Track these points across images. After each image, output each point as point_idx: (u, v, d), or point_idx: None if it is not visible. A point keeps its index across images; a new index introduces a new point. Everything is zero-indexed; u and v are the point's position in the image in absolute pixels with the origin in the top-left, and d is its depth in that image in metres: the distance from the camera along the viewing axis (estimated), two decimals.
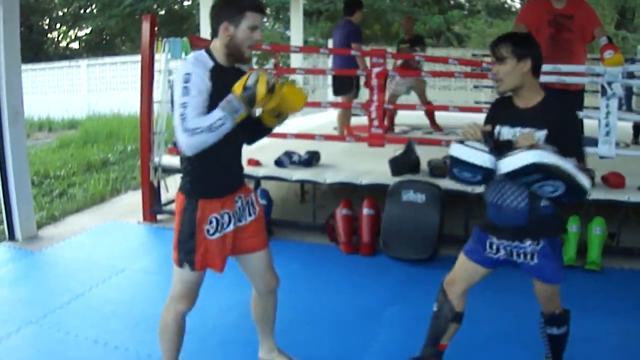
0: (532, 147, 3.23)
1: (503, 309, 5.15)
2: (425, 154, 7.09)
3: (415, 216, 6.22)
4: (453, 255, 6.35)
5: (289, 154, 7.25)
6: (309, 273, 5.98)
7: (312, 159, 7.32)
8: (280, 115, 3.55)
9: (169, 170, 7.72)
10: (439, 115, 10.51)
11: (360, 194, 7.09)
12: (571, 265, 6.03)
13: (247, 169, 6.83)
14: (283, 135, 7.48)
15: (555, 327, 3.90)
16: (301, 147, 7.66)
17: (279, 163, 7.18)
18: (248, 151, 7.55)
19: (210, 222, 3.48)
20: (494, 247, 3.73)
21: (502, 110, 3.70)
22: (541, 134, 3.47)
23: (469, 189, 6.33)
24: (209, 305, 5.09)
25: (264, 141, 7.77)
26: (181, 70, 3.24)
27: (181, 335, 3.78)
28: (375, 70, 7.19)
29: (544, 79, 6.10)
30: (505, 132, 3.59)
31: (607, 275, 6.06)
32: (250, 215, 3.71)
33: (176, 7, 32.21)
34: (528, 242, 3.60)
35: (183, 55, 7.68)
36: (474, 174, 3.46)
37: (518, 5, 28.65)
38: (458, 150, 3.44)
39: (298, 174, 7.00)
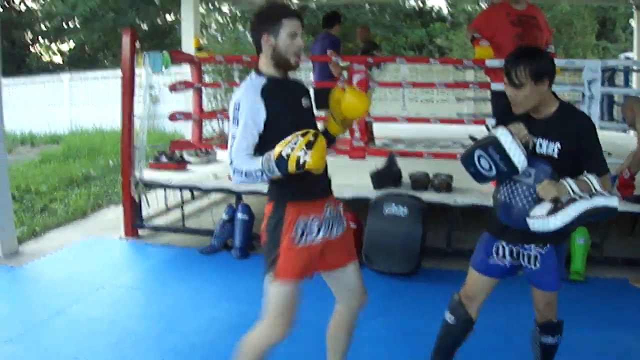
0: (554, 200, 3.29)
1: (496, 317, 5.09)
2: (407, 167, 7.08)
3: (397, 229, 6.18)
4: (436, 268, 6.46)
5: None
6: None
7: None
8: (344, 121, 3.55)
9: (150, 185, 7.68)
10: (423, 129, 10.50)
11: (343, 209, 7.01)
12: None
13: (228, 183, 6.86)
14: None
15: (551, 336, 3.88)
16: None
17: None
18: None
19: (296, 230, 3.36)
20: (501, 251, 3.74)
21: (517, 117, 3.61)
22: (555, 147, 3.46)
23: (451, 201, 6.34)
24: (190, 322, 5.08)
25: None
26: (234, 97, 3.29)
27: None
28: (356, 78, 7.16)
29: None
30: None
31: (591, 285, 6.10)
32: (340, 226, 3.60)
33: (159, 21, 32.15)
34: (533, 245, 3.59)
35: (163, 68, 7.64)
36: (496, 168, 3.46)
37: None
38: (505, 137, 3.40)
39: None
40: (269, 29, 3.31)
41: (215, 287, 5.94)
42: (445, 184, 6.68)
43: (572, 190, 3.31)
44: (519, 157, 3.38)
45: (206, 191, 7.62)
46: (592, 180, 3.35)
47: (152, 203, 8.01)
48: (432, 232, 6.52)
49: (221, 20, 31.86)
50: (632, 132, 8.18)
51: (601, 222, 6.37)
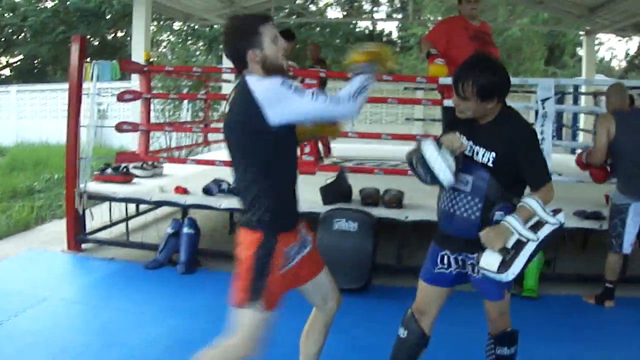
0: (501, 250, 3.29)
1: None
2: (357, 183, 7.02)
3: (347, 245, 6.11)
4: (387, 284, 6.39)
5: (217, 182, 7.08)
6: None
7: None
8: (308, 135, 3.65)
9: (94, 198, 7.51)
10: (372, 149, 10.46)
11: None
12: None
13: (174, 197, 6.73)
14: (212, 163, 7.33)
15: (506, 346, 3.78)
16: (230, 177, 7.42)
17: (207, 191, 6.99)
18: (177, 179, 7.44)
19: (283, 257, 3.30)
20: (446, 260, 3.70)
21: (463, 120, 3.60)
22: (490, 157, 3.42)
23: (402, 216, 6.29)
24: (133, 337, 4.95)
25: (193, 170, 7.61)
26: (271, 85, 3.11)
27: None
28: None
29: None
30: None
31: (544, 301, 6.14)
32: (308, 244, 3.55)
33: (109, 37, 31.93)
34: (476, 254, 3.48)
35: (112, 78, 7.52)
36: (426, 176, 3.44)
37: None
38: (429, 150, 3.39)
39: (226, 202, 6.82)
40: (251, 44, 3.20)
41: (159, 302, 5.79)
42: (396, 200, 6.62)
43: (516, 231, 3.29)
44: (443, 173, 3.36)
45: (152, 204, 7.43)
46: (533, 205, 3.33)
47: (97, 216, 7.82)
48: (383, 248, 6.49)
49: (172, 39, 31.72)
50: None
51: (553, 240, 6.37)
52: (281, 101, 3.06)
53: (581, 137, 14.52)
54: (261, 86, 3.10)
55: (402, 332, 3.90)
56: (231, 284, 3.36)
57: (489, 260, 3.32)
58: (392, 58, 3.40)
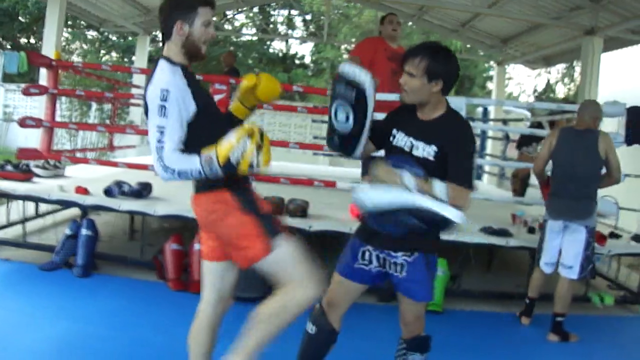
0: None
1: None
2: (262, 190, 6.79)
3: None
4: None
5: (119, 184, 6.88)
6: (135, 310, 5.68)
7: (143, 190, 6.95)
8: (253, 107, 3.60)
9: None
10: (277, 166, 10.40)
11: (192, 230, 6.77)
12: None
13: (74, 197, 6.54)
14: (114, 164, 7.16)
15: (419, 352, 3.77)
16: (134, 180, 7.27)
17: (108, 192, 6.77)
18: (78, 181, 7.25)
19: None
20: (367, 256, 3.71)
21: (404, 116, 3.65)
22: (431, 150, 3.43)
23: (306, 226, 6.29)
24: (24, 338, 4.80)
25: (96, 173, 7.42)
26: (157, 84, 3.11)
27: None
28: (217, 97, 7.00)
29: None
30: (400, 138, 3.59)
31: (449, 316, 6.25)
32: None
33: (22, 42, 31.17)
34: (400, 253, 3.52)
35: (18, 69, 7.31)
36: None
37: None
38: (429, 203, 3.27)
39: (127, 204, 6.62)
40: (183, 17, 3.24)
41: (53, 304, 5.59)
42: (301, 209, 6.56)
43: (407, 184, 3.30)
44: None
45: (51, 203, 7.20)
46: (437, 185, 3.32)
47: (1, 215, 7.58)
48: None
49: (85, 47, 31.30)
50: None
51: (460, 256, 6.58)
52: (150, 103, 3.12)
53: (489, 145, 14.83)
54: (154, 81, 3.15)
55: (311, 328, 3.84)
56: (237, 252, 3.37)
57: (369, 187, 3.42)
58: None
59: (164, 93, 3.05)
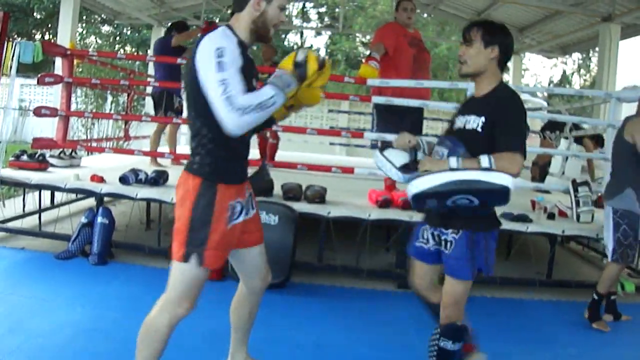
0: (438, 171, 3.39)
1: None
2: (280, 178, 6.93)
3: (267, 239, 5.85)
4: (306, 282, 6.27)
5: (135, 172, 6.84)
6: (151, 297, 5.51)
7: (159, 178, 6.94)
8: (292, 107, 3.54)
9: (7, 183, 7.20)
10: (294, 156, 10.37)
11: None
12: None
13: (89, 185, 6.50)
14: (130, 152, 7.11)
15: (451, 341, 3.68)
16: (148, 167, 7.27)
17: (124, 180, 6.73)
18: (94, 170, 7.21)
19: (228, 210, 3.28)
20: (425, 235, 3.80)
21: (461, 105, 3.92)
22: (479, 121, 3.53)
23: (324, 212, 6.20)
24: (39, 323, 4.73)
25: (112, 162, 7.35)
26: (210, 44, 3.04)
27: (165, 345, 3.41)
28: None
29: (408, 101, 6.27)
30: (457, 121, 3.74)
31: (470, 303, 5.91)
32: (253, 207, 3.56)
33: (37, 38, 31.21)
34: (450, 230, 3.61)
35: (32, 61, 7.28)
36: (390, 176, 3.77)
37: None
38: (377, 157, 3.78)
39: (143, 192, 6.59)
40: None
41: (68, 291, 5.55)
42: (319, 195, 6.52)
43: (424, 148, 3.63)
44: (390, 171, 3.72)
45: (66, 191, 7.16)
46: (483, 158, 3.36)
47: (11, 208, 7.54)
48: (304, 247, 6.40)
49: (100, 41, 31.35)
50: None
51: None
52: (204, 63, 3.01)
53: None
54: (204, 43, 3.06)
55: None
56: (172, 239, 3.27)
57: (395, 155, 3.73)
58: (325, 76, 3.31)
59: (220, 50, 2.99)
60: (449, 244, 3.61)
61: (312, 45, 33.79)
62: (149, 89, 10.50)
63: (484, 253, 3.60)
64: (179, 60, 8.25)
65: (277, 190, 6.69)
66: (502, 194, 3.27)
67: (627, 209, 5.60)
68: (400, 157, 3.72)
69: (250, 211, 3.50)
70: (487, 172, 3.25)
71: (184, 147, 12.78)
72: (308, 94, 3.38)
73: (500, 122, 3.44)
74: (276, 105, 3.02)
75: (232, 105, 2.90)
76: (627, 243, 5.61)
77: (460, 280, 3.62)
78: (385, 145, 3.95)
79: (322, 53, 34.16)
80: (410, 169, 3.66)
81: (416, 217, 6.30)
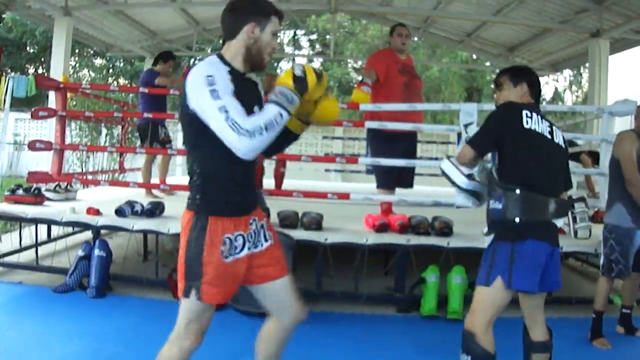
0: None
1: None
2: (275, 206, 6.94)
3: None
4: (305, 309, 6.21)
5: (131, 204, 6.82)
6: (150, 329, 5.59)
7: (155, 209, 6.93)
8: (309, 122, 3.46)
9: (3, 218, 7.24)
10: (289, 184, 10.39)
11: None
12: (432, 316, 6.18)
13: (86, 218, 6.49)
14: (126, 184, 7.11)
15: (464, 352, 3.76)
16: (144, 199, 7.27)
17: (119, 212, 6.69)
18: (90, 203, 7.20)
19: (224, 243, 3.20)
20: None
21: None
22: None
23: (321, 239, 6.18)
24: (38, 358, 4.72)
25: (107, 195, 7.31)
26: (199, 73, 3.02)
27: None
28: None
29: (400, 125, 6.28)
30: None
31: None
32: (266, 240, 3.44)
33: (30, 72, 31.29)
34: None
35: (26, 94, 7.31)
36: (459, 190, 4.02)
37: None
38: (446, 164, 3.99)
39: (139, 224, 6.59)
40: (257, 20, 3.21)
41: (67, 325, 5.53)
42: (315, 222, 6.50)
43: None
44: (459, 179, 3.94)
45: (63, 225, 7.15)
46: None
47: (7, 242, 7.54)
48: (302, 275, 6.35)
49: (92, 74, 31.42)
50: None
51: (478, 262, 6.37)
52: (197, 94, 3.00)
53: None
54: (193, 74, 3.06)
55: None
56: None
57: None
58: (322, 87, 3.26)
59: (210, 78, 2.98)
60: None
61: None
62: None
63: (507, 263, 3.63)
64: (172, 92, 8.26)
65: (274, 218, 6.66)
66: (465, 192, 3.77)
67: (616, 224, 5.63)
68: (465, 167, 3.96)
69: (261, 244, 3.40)
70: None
71: (179, 177, 12.82)
72: (322, 108, 3.35)
73: None
74: (282, 123, 3.01)
75: (239, 130, 2.89)
76: (613, 258, 5.63)
77: (479, 286, 3.74)
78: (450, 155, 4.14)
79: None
80: (473, 178, 3.94)
81: (413, 240, 6.32)
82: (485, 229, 3.92)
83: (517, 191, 3.62)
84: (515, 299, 3.92)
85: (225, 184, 3.21)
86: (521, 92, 3.93)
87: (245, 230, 3.30)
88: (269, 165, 10.31)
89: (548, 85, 33.86)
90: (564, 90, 34.71)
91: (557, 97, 34.44)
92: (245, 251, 3.29)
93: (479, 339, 3.68)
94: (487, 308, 3.69)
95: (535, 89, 3.98)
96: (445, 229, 6.49)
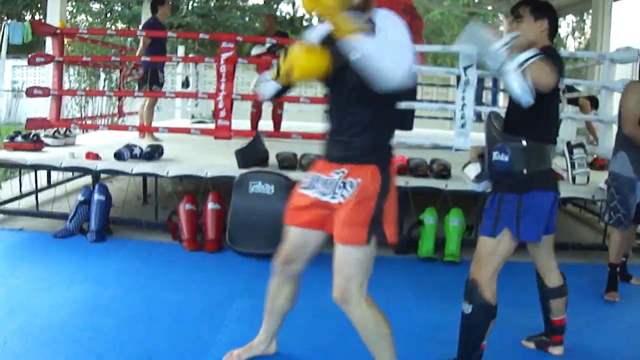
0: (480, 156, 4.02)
1: None
2: (274, 147, 6.94)
3: (263, 208, 5.99)
4: None
5: (129, 147, 6.83)
6: (150, 271, 5.64)
7: (154, 152, 6.95)
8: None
9: (3, 165, 7.29)
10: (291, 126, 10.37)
11: (205, 191, 6.74)
12: (430, 258, 6.23)
13: (85, 163, 6.50)
14: (124, 128, 7.11)
15: (467, 302, 3.75)
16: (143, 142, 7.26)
17: (118, 156, 6.71)
18: (89, 148, 7.20)
19: (306, 179, 3.44)
20: None
21: None
22: None
23: None
24: (40, 303, 4.73)
25: (106, 139, 7.29)
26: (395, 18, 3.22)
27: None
28: (224, 55, 6.93)
29: None
30: None
31: (466, 266, 6.04)
32: (335, 193, 3.37)
33: (25, 18, 31.07)
34: (491, 196, 3.79)
35: (22, 41, 7.27)
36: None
37: None
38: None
39: (139, 167, 6.60)
40: None
41: (67, 269, 5.56)
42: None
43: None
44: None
45: (62, 170, 7.15)
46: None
47: (7, 189, 7.62)
48: None
49: (90, 19, 31.19)
50: None
51: (476, 205, 6.46)
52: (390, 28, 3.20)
53: (501, 98, 14.79)
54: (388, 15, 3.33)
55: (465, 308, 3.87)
56: None
57: (471, 169, 4.14)
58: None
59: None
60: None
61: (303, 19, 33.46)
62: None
63: (514, 215, 3.64)
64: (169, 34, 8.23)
65: (273, 160, 6.69)
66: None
67: (617, 172, 5.56)
68: (473, 170, 4.12)
69: (335, 197, 3.27)
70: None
71: (179, 120, 12.81)
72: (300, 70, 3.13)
73: None
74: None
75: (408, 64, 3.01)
76: (612, 206, 5.58)
77: (482, 237, 3.72)
78: (466, 163, 4.30)
79: (315, 21, 34.05)
80: (482, 177, 4.01)
81: (412, 182, 6.34)
82: (472, 177, 4.12)
83: (523, 142, 3.60)
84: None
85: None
86: (541, 28, 3.74)
87: (323, 173, 3.31)
88: (268, 108, 10.29)
89: None
90: (567, 36, 34.49)
91: (559, 42, 34.24)
92: (307, 192, 3.37)
93: (482, 289, 3.67)
94: (493, 259, 3.68)
95: (554, 27, 3.83)
96: (444, 172, 6.48)
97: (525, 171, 3.62)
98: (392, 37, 3.03)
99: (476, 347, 3.70)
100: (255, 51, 9.97)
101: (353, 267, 3.28)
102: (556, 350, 4.21)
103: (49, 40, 8.95)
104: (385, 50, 2.90)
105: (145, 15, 16.13)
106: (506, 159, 3.62)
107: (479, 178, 4.03)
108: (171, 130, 8.24)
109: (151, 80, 9.07)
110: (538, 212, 3.68)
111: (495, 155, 3.66)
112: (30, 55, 7.92)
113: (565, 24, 33.32)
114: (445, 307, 4.45)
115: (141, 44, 9.05)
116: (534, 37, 3.68)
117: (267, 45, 9.63)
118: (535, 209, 3.66)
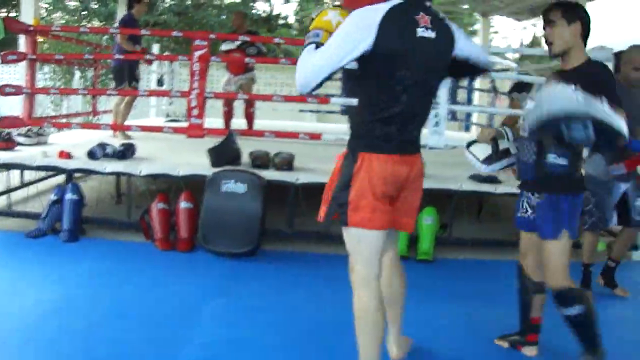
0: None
1: None
2: (247, 146, 6.94)
3: (236, 207, 6.00)
4: (278, 249, 6.28)
5: (102, 146, 6.79)
6: (122, 271, 5.61)
7: (127, 151, 6.92)
8: None
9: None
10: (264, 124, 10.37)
11: (178, 190, 6.76)
12: (403, 256, 6.08)
13: (58, 162, 6.46)
14: (97, 127, 7.08)
15: (569, 305, 3.79)
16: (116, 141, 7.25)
17: (91, 155, 6.68)
18: (62, 147, 7.16)
19: None
20: (524, 204, 3.96)
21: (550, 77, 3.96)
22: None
23: (292, 179, 6.22)
24: (10, 304, 4.72)
25: (79, 137, 7.24)
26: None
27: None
28: (197, 53, 6.91)
29: None
30: None
31: (439, 265, 6.25)
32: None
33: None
34: (536, 195, 3.85)
35: None
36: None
37: None
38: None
39: (112, 166, 6.58)
40: None
41: (40, 270, 5.53)
42: (287, 162, 6.55)
43: (507, 136, 3.96)
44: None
45: (34, 169, 7.10)
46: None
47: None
48: (274, 215, 6.43)
49: (66, 17, 31.00)
50: None
51: (450, 204, 6.58)
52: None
53: (476, 97, 14.84)
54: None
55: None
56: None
57: (479, 149, 4.10)
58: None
59: None
60: (534, 208, 3.85)
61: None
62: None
63: (569, 215, 3.75)
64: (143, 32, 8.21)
65: (245, 158, 6.70)
66: (613, 136, 3.30)
67: (592, 175, 5.53)
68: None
69: None
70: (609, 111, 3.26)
71: (154, 119, 12.78)
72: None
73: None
74: None
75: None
76: (587, 210, 5.53)
77: (549, 240, 3.77)
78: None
79: (292, 20, 34.14)
80: (493, 160, 4.06)
81: None
82: (481, 158, 4.13)
83: (577, 146, 3.69)
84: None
85: None
86: (575, 31, 3.74)
87: None
88: (240, 106, 10.29)
89: (526, 30, 33.88)
90: (543, 35, 34.82)
91: (535, 42, 34.40)
92: None
93: (574, 289, 3.85)
94: (563, 259, 3.79)
95: (587, 29, 3.81)
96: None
97: (580, 175, 3.88)
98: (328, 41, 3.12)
99: (597, 332, 3.82)
100: (225, 47, 9.94)
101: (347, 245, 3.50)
102: (530, 352, 4.24)
103: (22, 38, 8.91)
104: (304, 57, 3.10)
105: (121, 12, 16.11)
106: (565, 162, 3.72)
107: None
108: (144, 129, 8.21)
109: (129, 77, 9.05)
110: (579, 212, 3.86)
111: (552, 158, 3.73)
112: (2, 53, 7.88)
113: (542, 24, 33.60)
114: (417, 306, 4.43)
115: (120, 39, 9.02)
116: (569, 43, 3.74)
117: (238, 42, 9.62)
118: (579, 208, 3.84)
